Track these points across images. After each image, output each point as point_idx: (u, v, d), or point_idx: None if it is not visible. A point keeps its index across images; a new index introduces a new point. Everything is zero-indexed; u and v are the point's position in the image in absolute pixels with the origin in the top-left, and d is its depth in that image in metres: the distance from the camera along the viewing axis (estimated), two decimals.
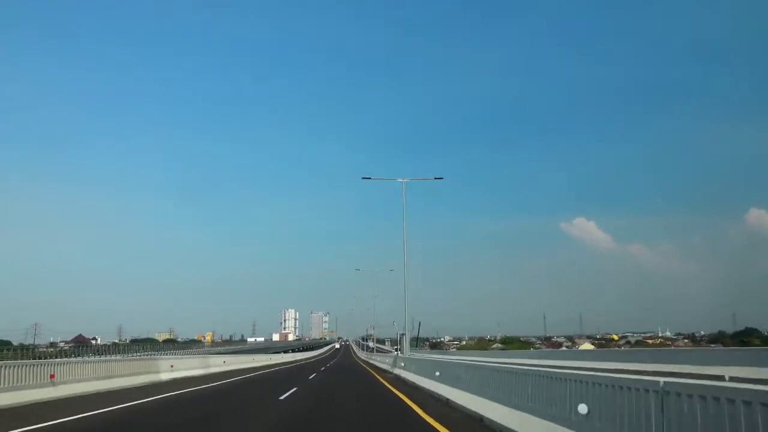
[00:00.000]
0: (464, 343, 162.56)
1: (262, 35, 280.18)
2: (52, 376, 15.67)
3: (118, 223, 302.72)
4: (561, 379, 7.45)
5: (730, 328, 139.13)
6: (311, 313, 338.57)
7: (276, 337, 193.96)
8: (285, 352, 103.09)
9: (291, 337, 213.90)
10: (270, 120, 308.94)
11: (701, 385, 4.64)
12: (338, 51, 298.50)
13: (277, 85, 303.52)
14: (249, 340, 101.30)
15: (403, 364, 27.42)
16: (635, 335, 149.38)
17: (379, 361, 50.22)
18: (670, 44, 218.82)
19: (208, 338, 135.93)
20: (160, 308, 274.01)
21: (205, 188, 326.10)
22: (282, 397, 16.62)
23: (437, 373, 16.72)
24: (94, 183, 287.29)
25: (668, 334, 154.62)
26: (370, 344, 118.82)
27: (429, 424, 10.55)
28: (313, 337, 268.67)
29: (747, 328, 60.66)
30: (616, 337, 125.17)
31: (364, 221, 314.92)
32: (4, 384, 13.64)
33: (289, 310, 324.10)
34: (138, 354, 44.58)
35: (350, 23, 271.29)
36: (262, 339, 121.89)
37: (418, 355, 47.75)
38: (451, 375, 15.21)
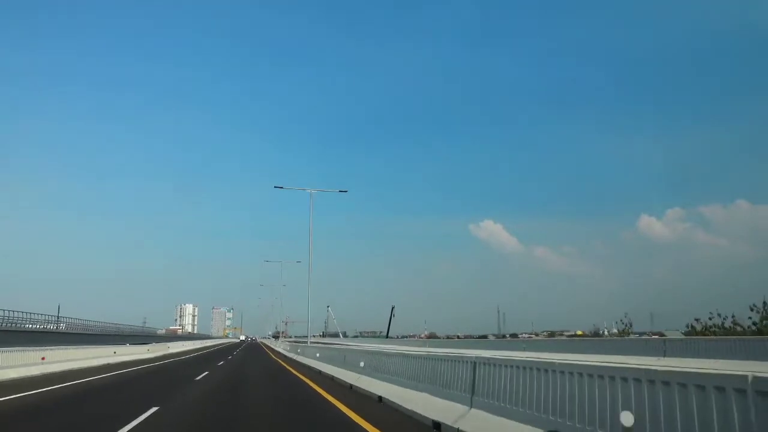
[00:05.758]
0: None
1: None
2: None
3: None
4: None
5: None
6: (213, 309, 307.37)
7: (162, 332, 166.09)
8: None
9: (181, 333, 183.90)
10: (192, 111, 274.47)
11: None
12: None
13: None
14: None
15: None
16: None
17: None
18: (574, 50, 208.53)
19: None
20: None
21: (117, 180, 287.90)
22: None
23: None
24: None
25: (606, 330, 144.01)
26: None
27: None
28: (212, 334, 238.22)
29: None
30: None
31: (275, 219, 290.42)
32: None
33: (187, 305, 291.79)
34: None
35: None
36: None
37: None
38: None
